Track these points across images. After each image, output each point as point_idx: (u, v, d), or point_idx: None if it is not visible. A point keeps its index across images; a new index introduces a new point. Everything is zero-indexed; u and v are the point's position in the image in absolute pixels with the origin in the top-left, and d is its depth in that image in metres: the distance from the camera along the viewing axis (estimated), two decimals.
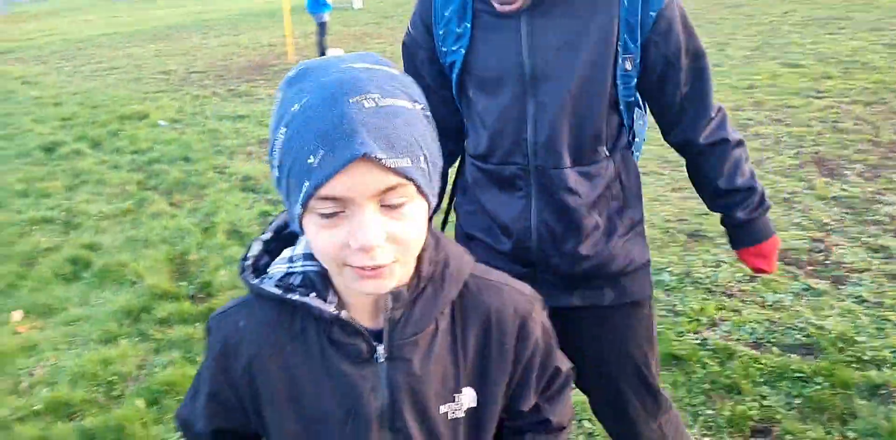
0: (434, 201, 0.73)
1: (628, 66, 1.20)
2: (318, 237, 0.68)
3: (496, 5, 1.16)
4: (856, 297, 2.76)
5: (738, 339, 2.52)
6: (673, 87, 1.25)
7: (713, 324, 2.64)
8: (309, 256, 0.77)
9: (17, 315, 3.14)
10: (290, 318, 0.77)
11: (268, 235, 0.82)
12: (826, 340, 2.44)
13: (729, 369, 2.34)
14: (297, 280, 0.76)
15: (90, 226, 4.16)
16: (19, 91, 9.16)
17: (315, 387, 0.77)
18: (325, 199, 0.65)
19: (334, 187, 0.64)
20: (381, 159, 0.63)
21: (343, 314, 0.74)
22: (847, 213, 3.53)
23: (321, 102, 0.64)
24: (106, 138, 6.19)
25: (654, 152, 4.57)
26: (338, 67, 0.66)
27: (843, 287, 2.85)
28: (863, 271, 2.96)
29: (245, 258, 0.79)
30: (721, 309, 2.74)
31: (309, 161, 0.63)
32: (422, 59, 1.31)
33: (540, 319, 0.85)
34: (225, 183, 4.71)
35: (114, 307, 3.07)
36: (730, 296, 2.84)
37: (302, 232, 0.71)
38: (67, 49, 14.12)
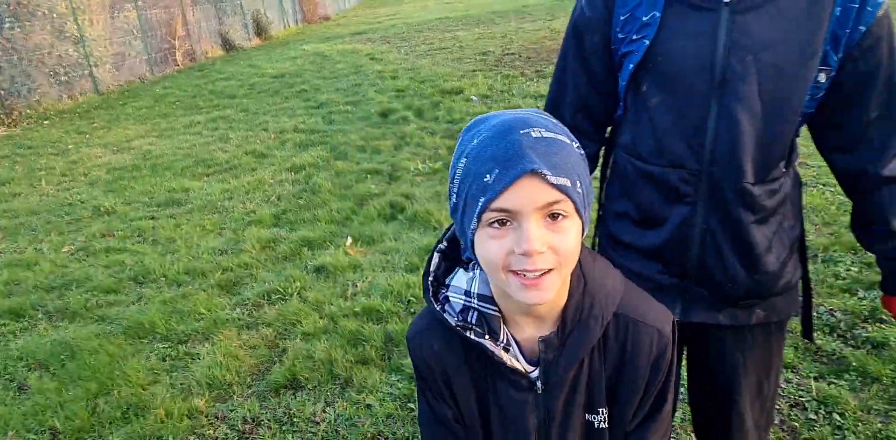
0: (587, 223, 0.82)
1: (822, 78, 1.10)
2: (487, 246, 0.79)
3: None
4: None
5: None
6: (860, 109, 1.13)
7: None
8: (484, 298, 0.90)
9: (349, 241, 3.99)
10: (468, 346, 0.93)
11: (444, 246, 0.95)
12: None
13: None
14: (473, 317, 0.89)
15: (408, 179, 4.99)
16: (367, 65, 10.92)
17: (488, 401, 0.96)
18: (497, 211, 0.76)
19: (506, 200, 0.76)
20: (546, 175, 0.75)
21: (511, 358, 0.90)
22: None
23: (496, 134, 0.78)
24: (428, 108, 7.17)
25: None
26: (508, 113, 0.81)
27: None
28: None
29: (427, 273, 0.93)
30: None
31: (485, 179, 0.76)
32: (594, 43, 1.20)
33: (669, 356, 0.94)
34: None
35: (419, 245, 3.74)
36: None
37: (472, 250, 0.83)
38: (407, 31, 16.24)
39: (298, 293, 3.37)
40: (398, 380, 2.57)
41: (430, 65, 10.23)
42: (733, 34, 1.05)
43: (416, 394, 2.48)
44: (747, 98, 1.07)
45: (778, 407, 2.19)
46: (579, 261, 0.87)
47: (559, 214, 0.78)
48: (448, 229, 0.96)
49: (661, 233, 1.20)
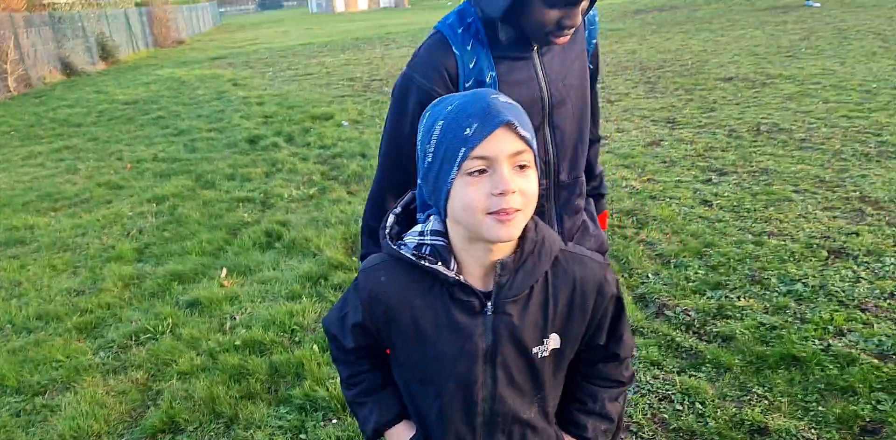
0: (540, 175, 1.00)
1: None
2: (468, 191, 0.92)
3: (556, 40, 1.23)
4: None
5: (863, 349, 2.51)
6: (594, 97, 1.54)
7: (840, 334, 2.64)
8: (437, 232, 1.01)
9: (223, 272, 3.83)
10: (421, 279, 1.02)
11: (399, 210, 1.09)
12: None
13: (848, 374, 2.36)
14: (427, 250, 1.00)
15: (282, 206, 4.88)
16: (230, 91, 10.60)
17: (436, 331, 1.02)
18: (476, 158, 0.90)
19: (485, 148, 0.90)
20: (516, 127, 0.91)
21: (463, 278, 0.99)
22: None
23: (471, 99, 0.94)
24: (298, 134, 7.07)
25: (809, 172, 4.48)
26: (470, 90, 1.00)
27: None
28: None
29: (384, 227, 1.06)
30: (851, 320, 2.72)
31: (465, 132, 0.90)
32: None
33: (612, 279, 1.09)
34: None
35: (299, 272, 3.66)
36: (864, 310, 2.80)
37: (441, 203, 0.96)
38: (271, 56, 15.96)
39: (171, 330, 3.16)
40: (287, 412, 2.48)
41: (297, 90, 10.12)
42: (546, 70, 1.31)
43: (306, 425, 2.42)
44: (568, 114, 1.35)
45: (648, 401, 2.37)
46: None
47: (524, 165, 0.93)
48: (403, 197, 1.11)
49: None
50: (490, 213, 0.91)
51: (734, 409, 2.28)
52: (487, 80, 1.26)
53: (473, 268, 1.01)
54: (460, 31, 1.26)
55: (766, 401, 2.30)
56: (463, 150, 0.90)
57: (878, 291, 2.94)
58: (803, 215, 3.83)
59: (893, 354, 2.48)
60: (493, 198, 0.90)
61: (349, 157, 6.01)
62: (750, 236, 3.61)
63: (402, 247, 1.02)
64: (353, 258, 3.80)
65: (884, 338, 2.57)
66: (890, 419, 2.12)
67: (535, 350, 1.04)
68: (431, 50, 1.27)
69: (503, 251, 0.99)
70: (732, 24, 13.71)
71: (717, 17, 15.34)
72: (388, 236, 1.04)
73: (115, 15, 20.03)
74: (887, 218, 3.67)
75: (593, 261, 1.08)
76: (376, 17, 32.56)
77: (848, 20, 12.30)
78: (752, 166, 4.78)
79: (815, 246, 3.42)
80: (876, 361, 2.43)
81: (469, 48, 1.25)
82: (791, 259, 3.30)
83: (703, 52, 10.32)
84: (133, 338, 3.13)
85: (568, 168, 1.38)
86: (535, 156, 0.95)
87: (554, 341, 1.06)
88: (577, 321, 1.07)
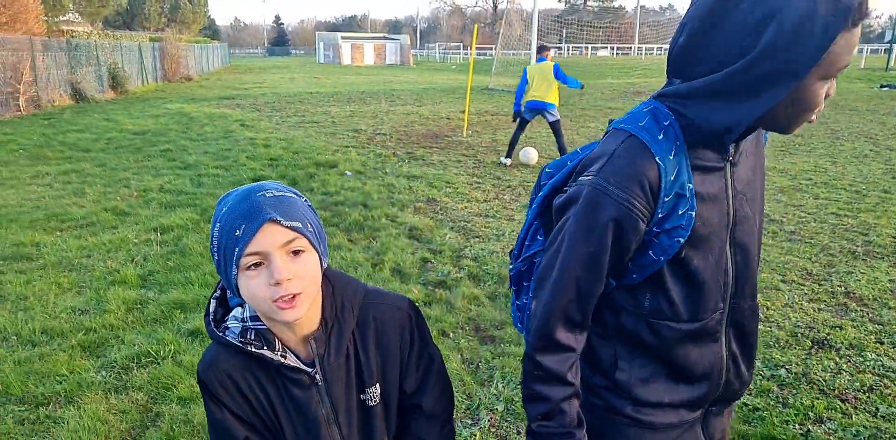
0: (325, 255, 1.07)
1: None
2: (250, 286, 0.99)
3: (813, 119, 1.06)
4: None
5: (840, 437, 2.68)
6: None
7: (820, 421, 2.81)
8: (256, 318, 1.09)
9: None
10: (254, 362, 1.10)
11: (218, 293, 1.14)
12: None
13: None
14: (252, 335, 1.08)
15: None
16: (237, 131, 10.91)
17: (283, 406, 1.13)
18: (250, 255, 0.98)
19: (256, 244, 0.97)
20: (280, 221, 0.98)
21: (289, 360, 1.09)
22: None
23: (240, 200, 1.00)
24: (303, 179, 7.32)
25: (797, 264, 4.76)
26: (247, 185, 1.05)
27: None
28: None
29: (208, 314, 1.11)
30: (831, 409, 2.90)
31: (237, 234, 0.98)
32: (638, 230, 1.09)
33: (415, 323, 1.20)
34: (395, 229, 5.48)
35: None
36: (843, 400, 2.98)
37: (238, 294, 1.02)
38: (278, 101, 16.42)
39: (172, 356, 3.27)
40: None
41: (303, 136, 10.44)
42: (735, 181, 1.14)
43: None
44: (750, 231, 1.18)
45: None
46: (326, 275, 1.11)
47: (299, 250, 1.01)
48: (219, 281, 1.16)
49: (700, 386, 1.22)
50: (274, 301, 0.99)
51: None
52: (687, 194, 1.08)
53: (295, 344, 1.11)
54: (661, 137, 1.07)
55: None
56: (237, 249, 0.98)
57: (858, 384, 3.12)
58: (790, 305, 4.02)
59: None
60: (272, 287, 0.98)
61: (351, 205, 6.23)
62: None
63: (228, 332, 1.09)
64: None
65: (861, 429, 2.73)
66: None
67: (366, 400, 1.17)
68: (630, 157, 1.06)
69: (309, 323, 1.10)
70: None
71: None
72: (212, 323, 1.10)
73: (130, 47, 20.63)
74: (870, 315, 3.88)
75: (394, 305, 1.19)
76: (382, 73, 33.65)
77: (841, 122, 12.85)
78: None
79: (800, 335, 3.61)
80: None
81: (672, 157, 1.07)
82: (776, 345, 3.49)
83: None
84: (135, 361, 3.23)
85: (749, 293, 1.21)
86: (310, 238, 1.02)
87: (378, 391, 1.18)
88: (390, 366, 1.18)
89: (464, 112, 10.96)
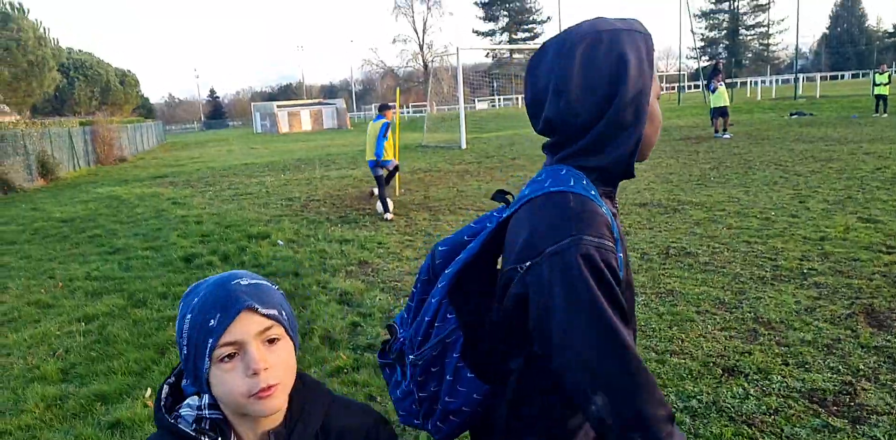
0: (298, 343, 1.05)
1: None
2: (225, 379, 0.94)
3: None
4: (870, 437, 2.95)
5: None
6: None
7: None
8: (213, 406, 1.02)
9: (147, 392, 3.88)
10: None
11: (172, 379, 1.08)
12: None
13: None
14: (206, 425, 1.01)
15: None
16: (169, 210, 10.83)
17: None
18: (225, 345, 0.93)
19: (231, 334, 0.93)
20: (258, 308, 0.96)
21: None
22: (884, 362, 3.67)
23: (214, 289, 0.97)
24: (234, 253, 7.30)
25: (710, 294, 4.98)
26: (217, 275, 1.02)
27: (860, 426, 3.04)
28: (883, 414, 3.13)
29: (159, 400, 1.04)
30: (738, 435, 3.01)
31: (210, 324, 0.93)
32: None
33: (384, 427, 1.16)
34: (325, 296, 5.50)
35: None
36: (750, 425, 3.10)
37: (205, 390, 0.98)
38: (212, 176, 16.40)
39: None
40: None
41: (236, 209, 10.44)
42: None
43: None
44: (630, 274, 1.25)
45: None
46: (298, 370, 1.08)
47: (275, 339, 0.98)
48: (176, 367, 1.10)
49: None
50: (251, 395, 0.95)
51: None
52: (618, 237, 1.11)
53: (251, 438, 1.06)
54: (593, 192, 1.13)
55: None
56: (210, 341, 0.94)
57: (764, 407, 3.26)
58: (703, 335, 4.18)
59: None
60: (249, 379, 0.94)
61: (283, 275, 6.24)
62: (654, 354, 3.91)
63: (180, 420, 1.02)
64: None
65: None
66: None
67: None
68: (589, 210, 1.08)
69: (273, 419, 1.05)
70: (651, 154, 15.13)
71: None
72: (163, 409, 1.03)
73: (59, 133, 20.41)
74: (777, 338, 4.06)
75: (361, 410, 1.16)
76: (319, 138, 34.06)
77: (753, 151, 13.49)
78: (660, 288, 5.16)
79: (711, 364, 3.75)
80: None
81: (603, 207, 1.12)
82: (689, 376, 3.62)
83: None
84: None
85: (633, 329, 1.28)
86: (285, 325, 1.01)
87: None
88: None
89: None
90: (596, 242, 1.04)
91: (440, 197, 10.55)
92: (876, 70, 22.43)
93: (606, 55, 1.10)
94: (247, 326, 0.95)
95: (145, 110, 66.77)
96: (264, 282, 1.03)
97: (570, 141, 1.16)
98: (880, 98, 20.86)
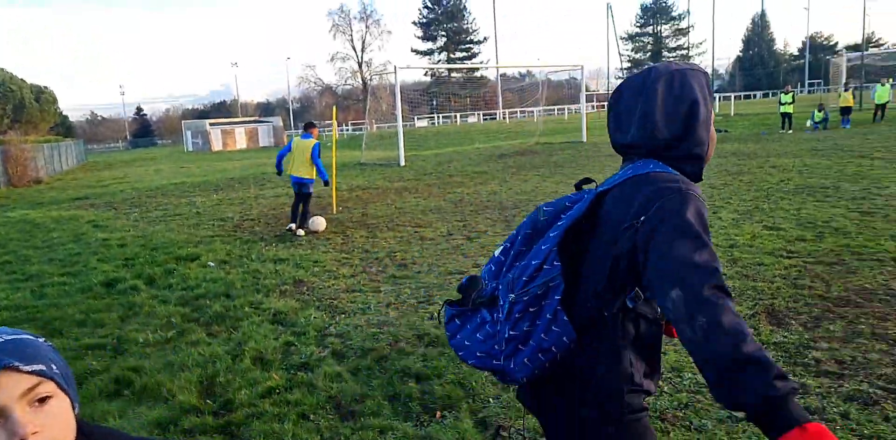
0: (77, 399, 0.96)
1: None
2: None
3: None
4: None
5: None
6: None
7: None
8: None
9: None
10: None
11: None
12: None
13: None
14: None
15: (136, 351, 4.70)
16: (89, 233, 10.25)
17: None
18: None
19: None
20: (19, 366, 0.86)
21: None
22: (781, 356, 3.86)
23: None
24: (161, 276, 6.93)
25: None
26: None
27: None
28: None
29: None
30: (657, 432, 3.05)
31: None
32: None
33: None
34: (258, 317, 5.27)
35: (148, 419, 3.51)
36: (663, 420, 3.19)
37: None
38: (138, 196, 15.72)
39: None
40: None
41: (164, 231, 10.00)
42: None
43: None
44: None
45: None
46: (80, 429, 0.97)
47: (46, 397, 0.89)
48: None
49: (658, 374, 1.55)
50: None
51: None
52: None
53: None
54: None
55: None
56: None
57: (676, 403, 3.37)
58: None
59: None
60: None
61: (213, 297, 5.96)
62: None
63: None
64: (208, 401, 3.73)
65: None
66: None
67: None
68: (690, 180, 1.43)
69: None
70: (581, 168, 15.50)
71: (568, 162, 17.28)
72: None
73: None
74: None
75: None
76: (254, 156, 33.27)
77: None
78: None
79: None
80: None
81: None
82: None
83: (554, 194, 11.51)
84: None
85: None
86: (58, 380, 0.92)
87: None
88: None
89: (333, 189, 10.98)
90: (700, 195, 1.34)
91: (378, 214, 10.43)
92: (782, 90, 24.18)
93: (681, 89, 1.43)
94: (8, 388, 0.85)
95: (64, 128, 63.68)
96: (27, 337, 0.94)
97: (651, 155, 1.47)
98: (785, 116, 22.77)
